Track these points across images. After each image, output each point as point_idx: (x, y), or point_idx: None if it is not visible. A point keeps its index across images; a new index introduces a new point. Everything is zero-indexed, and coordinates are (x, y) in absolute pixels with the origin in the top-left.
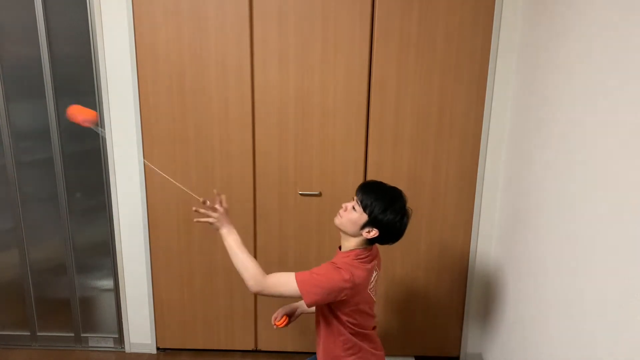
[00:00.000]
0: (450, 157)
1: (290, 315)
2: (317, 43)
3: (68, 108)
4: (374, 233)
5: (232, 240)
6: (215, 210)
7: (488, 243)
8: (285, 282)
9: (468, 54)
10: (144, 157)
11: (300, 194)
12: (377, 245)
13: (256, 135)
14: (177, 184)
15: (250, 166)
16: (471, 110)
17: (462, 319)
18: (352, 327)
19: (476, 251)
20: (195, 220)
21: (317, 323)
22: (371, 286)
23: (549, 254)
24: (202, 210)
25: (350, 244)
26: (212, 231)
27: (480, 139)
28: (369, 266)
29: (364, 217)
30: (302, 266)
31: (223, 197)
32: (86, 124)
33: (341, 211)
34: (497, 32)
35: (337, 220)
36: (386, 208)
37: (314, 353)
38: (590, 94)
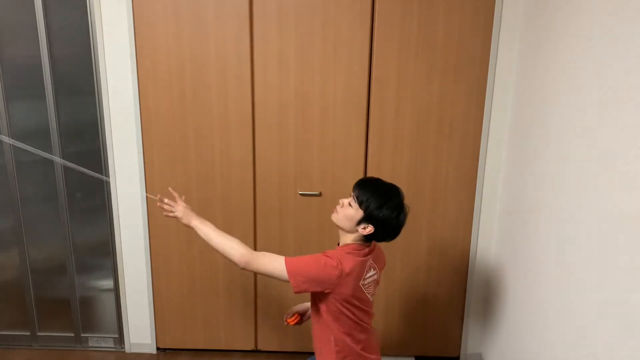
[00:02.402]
0: (450, 157)
1: (302, 314)
2: (317, 43)
3: None
4: (369, 229)
5: (206, 228)
6: (177, 203)
7: (488, 243)
8: (274, 260)
9: (468, 54)
10: (144, 158)
11: (300, 194)
12: (379, 245)
13: (256, 135)
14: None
15: (250, 166)
16: (471, 110)
17: (462, 319)
18: (349, 319)
19: (476, 251)
20: (164, 214)
21: (313, 323)
22: (365, 282)
23: (549, 253)
24: (165, 206)
25: (347, 239)
26: None
27: (480, 139)
28: (361, 258)
29: (360, 213)
30: None
31: (176, 194)
32: None
33: (338, 207)
34: (497, 32)
35: (334, 216)
36: (382, 204)
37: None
38: (590, 94)
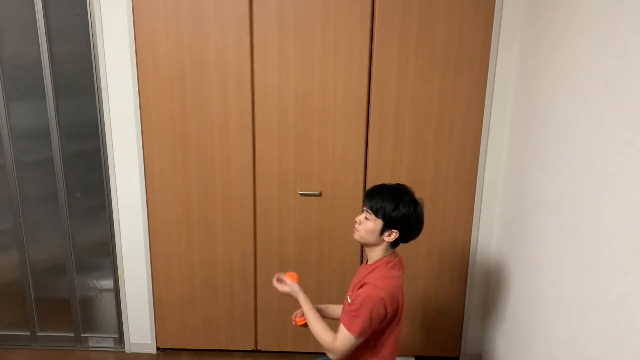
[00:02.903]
0: (450, 157)
1: None
2: (317, 43)
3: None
4: (394, 234)
5: (305, 309)
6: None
7: (488, 243)
8: (346, 339)
9: (468, 54)
10: (144, 158)
11: (300, 194)
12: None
13: (256, 135)
14: None
15: (251, 166)
16: (471, 110)
17: (462, 319)
18: (393, 343)
19: (476, 251)
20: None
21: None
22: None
23: (549, 253)
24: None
25: (376, 254)
26: (212, 231)
27: (480, 139)
28: (399, 272)
29: (379, 223)
30: (302, 266)
31: (283, 277)
32: None
33: (356, 225)
34: (497, 32)
35: (356, 235)
36: (397, 205)
37: (315, 353)
38: (590, 94)
